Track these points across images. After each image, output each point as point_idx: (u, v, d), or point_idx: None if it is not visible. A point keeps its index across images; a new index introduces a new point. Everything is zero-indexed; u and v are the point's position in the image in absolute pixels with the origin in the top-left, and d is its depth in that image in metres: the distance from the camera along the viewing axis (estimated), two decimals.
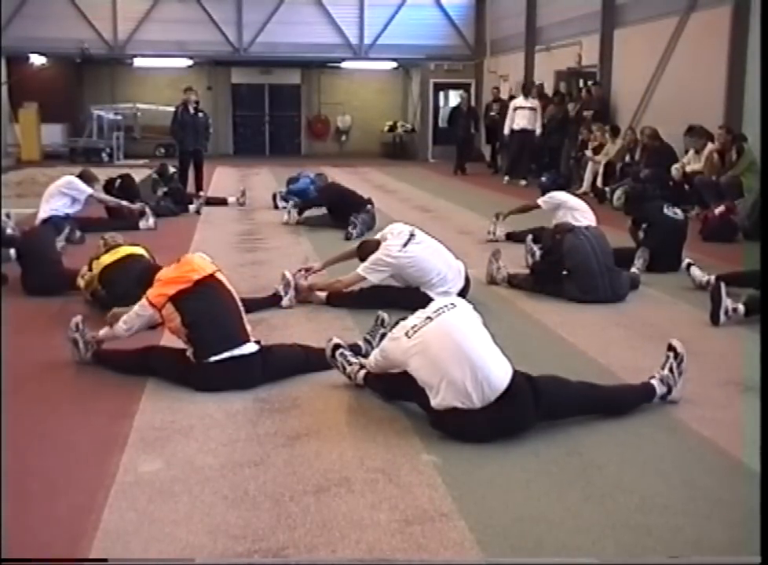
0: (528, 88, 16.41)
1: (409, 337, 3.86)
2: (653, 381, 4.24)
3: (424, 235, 6.15)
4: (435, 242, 6.19)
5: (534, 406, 3.80)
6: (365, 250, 6.11)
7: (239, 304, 4.59)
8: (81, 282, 6.20)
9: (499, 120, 17.65)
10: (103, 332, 4.87)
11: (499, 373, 3.77)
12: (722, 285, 5.88)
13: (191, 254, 4.86)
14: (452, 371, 3.71)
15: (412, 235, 6.04)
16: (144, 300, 4.55)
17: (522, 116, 16.00)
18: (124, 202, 10.11)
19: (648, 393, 4.22)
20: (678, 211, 7.73)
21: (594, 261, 6.47)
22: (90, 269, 6.12)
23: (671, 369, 4.25)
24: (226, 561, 2.88)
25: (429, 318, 3.87)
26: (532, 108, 15.97)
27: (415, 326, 3.87)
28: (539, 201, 8.65)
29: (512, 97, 17.83)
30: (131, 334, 4.71)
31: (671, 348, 4.31)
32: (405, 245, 5.95)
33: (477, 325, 3.92)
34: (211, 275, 4.57)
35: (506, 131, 16.31)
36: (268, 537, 2.99)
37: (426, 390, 3.82)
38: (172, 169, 12.49)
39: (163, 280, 4.56)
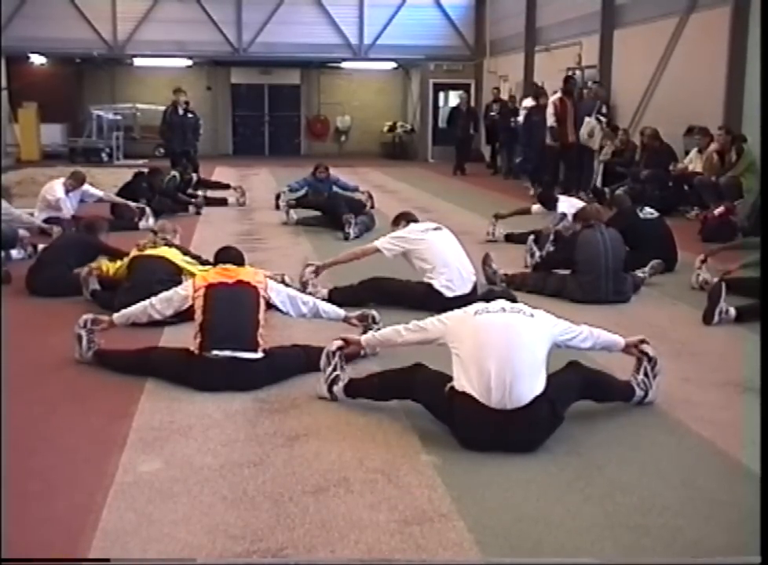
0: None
1: (477, 314, 3.91)
2: (633, 383, 4.26)
3: (449, 233, 6.43)
4: (456, 243, 6.41)
5: (546, 432, 3.77)
6: (397, 219, 6.58)
7: (261, 315, 4.64)
8: (105, 268, 6.44)
9: (498, 120, 17.56)
10: (130, 310, 4.92)
11: (526, 388, 3.70)
12: (723, 285, 5.88)
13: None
14: (488, 362, 3.71)
15: (439, 227, 6.41)
16: (190, 281, 4.87)
17: None
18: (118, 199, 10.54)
19: (628, 393, 4.26)
20: (653, 211, 7.68)
21: (603, 261, 6.50)
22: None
23: (645, 373, 4.27)
24: (225, 561, 2.88)
25: (503, 309, 3.93)
26: None
27: (487, 309, 3.94)
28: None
29: (512, 97, 17.75)
30: (161, 314, 4.85)
31: (642, 352, 4.31)
32: (427, 231, 6.31)
33: (536, 340, 3.87)
34: (248, 282, 4.69)
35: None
36: (267, 538, 2.99)
37: (454, 368, 3.82)
38: (173, 173, 12.43)
39: (211, 272, 4.83)
